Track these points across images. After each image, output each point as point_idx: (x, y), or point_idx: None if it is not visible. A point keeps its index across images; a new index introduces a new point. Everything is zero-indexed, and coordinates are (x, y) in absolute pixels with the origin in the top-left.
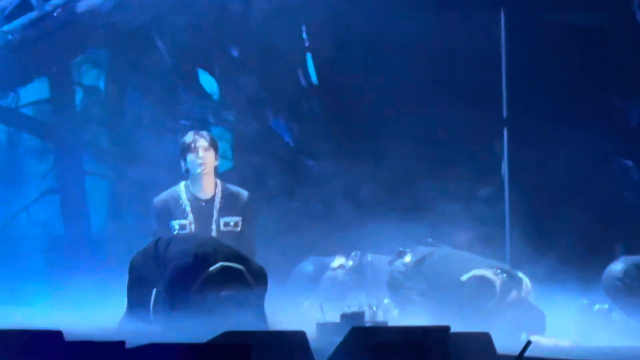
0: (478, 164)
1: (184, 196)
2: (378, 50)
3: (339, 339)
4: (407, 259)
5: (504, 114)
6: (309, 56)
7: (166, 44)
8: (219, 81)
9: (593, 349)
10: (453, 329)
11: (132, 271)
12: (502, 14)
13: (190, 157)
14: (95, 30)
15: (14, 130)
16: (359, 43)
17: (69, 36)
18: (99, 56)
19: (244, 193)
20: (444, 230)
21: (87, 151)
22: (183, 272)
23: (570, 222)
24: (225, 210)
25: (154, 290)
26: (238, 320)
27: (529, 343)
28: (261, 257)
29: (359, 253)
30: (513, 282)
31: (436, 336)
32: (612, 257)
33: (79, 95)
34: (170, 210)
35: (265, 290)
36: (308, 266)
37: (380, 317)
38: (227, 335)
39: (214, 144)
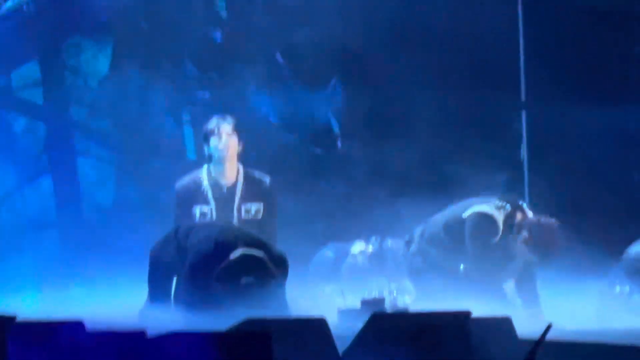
0: (498, 147)
1: (205, 182)
2: (400, 37)
3: (360, 325)
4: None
5: (523, 97)
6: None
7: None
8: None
9: (614, 331)
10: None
11: (152, 259)
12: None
13: (213, 141)
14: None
15: (7, 112)
16: (382, 31)
17: (58, 18)
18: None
19: (266, 178)
20: None
21: (78, 131)
22: (204, 259)
23: (591, 205)
24: (247, 197)
25: (175, 278)
26: (259, 307)
27: (549, 327)
28: (282, 242)
29: (379, 238)
30: (517, 212)
31: (457, 321)
32: (633, 238)
33: (69, 79)
34: (192, 196)
35: (286, 276)
36: (328, 252)
37: (401, 303)
38: (248, 323)
39: (237, 129)
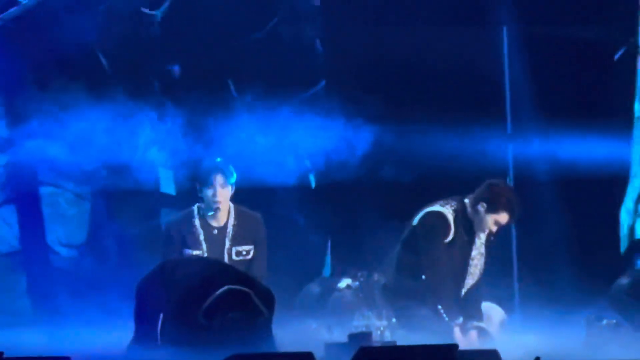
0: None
1: (197, 223)
2: (383, 73)
3: None
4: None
5: (508, 130)
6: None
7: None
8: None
9: None
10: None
11: (138, 295)
12: (504, 29)
13: (206, 192)
14: None
15: None
16: (365, 66)
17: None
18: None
19: (257, 216)
20: None
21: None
22: (190, 295)
23: (578, 236)
24: (238, 239)
25: (161, 315)
26: (246, 342)
27: None
28: (269, 280)
29: (365, 273)
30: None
31: (444, 354)
32: (619, 270)
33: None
34: (184, 237)
35: (273, 312)
36: (315, 287)
37: (388, 337)
38: (235, 358)
39: (231, 179)
